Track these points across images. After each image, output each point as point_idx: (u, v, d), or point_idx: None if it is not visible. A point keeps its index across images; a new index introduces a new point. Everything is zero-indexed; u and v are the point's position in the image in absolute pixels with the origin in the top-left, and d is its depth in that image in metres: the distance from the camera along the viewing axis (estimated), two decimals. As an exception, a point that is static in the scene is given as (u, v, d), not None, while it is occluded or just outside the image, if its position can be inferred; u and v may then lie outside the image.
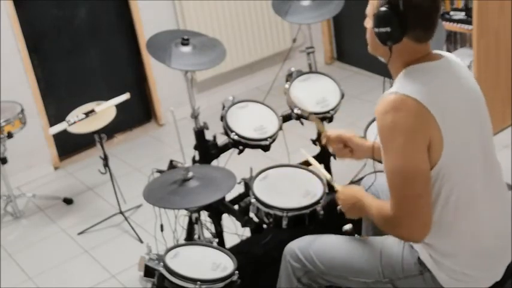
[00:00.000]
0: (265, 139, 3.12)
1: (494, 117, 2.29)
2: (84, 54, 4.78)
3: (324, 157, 3.59)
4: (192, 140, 3.28)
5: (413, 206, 1.99)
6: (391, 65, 2.12)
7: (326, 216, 2.71)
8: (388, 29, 2.00)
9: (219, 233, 3.18)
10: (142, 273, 2.57)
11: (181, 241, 3.17)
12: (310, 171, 2.92)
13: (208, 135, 3.30)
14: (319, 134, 3.58)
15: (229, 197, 3.18)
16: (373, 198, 2.24)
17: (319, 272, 2.34)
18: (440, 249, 2.12)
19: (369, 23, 2.12)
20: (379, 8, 2.02)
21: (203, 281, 2.42)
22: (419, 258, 2.16)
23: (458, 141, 2.02)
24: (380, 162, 2.15)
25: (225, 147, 3.25)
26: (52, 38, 4.63)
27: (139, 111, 5.10)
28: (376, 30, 2.03)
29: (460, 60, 2.19)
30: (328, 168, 3.63)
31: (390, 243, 2.23)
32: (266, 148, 3.13)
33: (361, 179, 2.63)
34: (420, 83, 2.01)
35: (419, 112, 1.97)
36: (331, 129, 2.59)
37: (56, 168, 4.75)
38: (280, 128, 3.21)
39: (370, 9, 2.10)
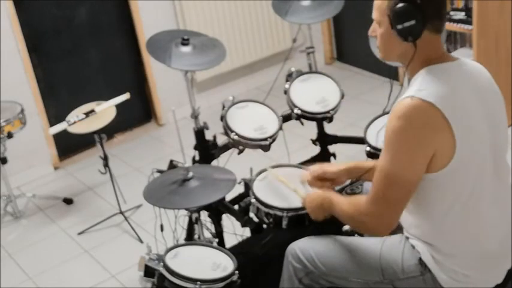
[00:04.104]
0: (265, 139, 3.12)
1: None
2: (84, 54, 4.78)
3: (324, 157, 3.59)
4: (192, 140, 3.28)
5: (387, 206, 2.05)
6: (409, 65, 2.10)
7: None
8: (412, 22, 2.00)
9: (219, 233, 3.18)
10: (142, 273, 2.57)
11: (181, 241, 3.17)
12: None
13: (208, 135, 3.29)
14: (319, 134, 3.58)
15: (229, 197, 3.18)
16: (342, 196, 2.28)
17: (320, 273, 2.34)
18: (443, 249, 2.12)
19: (378, 29, 2.11)
20: (394, 6, 2.01)
21: (203, 281, 2.42)
22: (420, 258, 2.16)
23: (470, 144, 2.02)
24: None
25: (225, 147, 3.25)
26: (52, 38, 4.63)
27: (139, 111, 5.10)
28: (400, 27, 2.01)
29: (476, 62, 2.19)
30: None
31: (390, 244, 2.23)
32: (266, 148, 3.12)
33: (359, 181, 2.62)
34: (437, 85, 2.01)
35: (432, 119, 1.97)
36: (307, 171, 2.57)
37: (56, 168, 4.75)
38: (280, 128, 3.21)
39: (378, 14, 2.09)
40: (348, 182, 2.60)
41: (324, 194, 2.36)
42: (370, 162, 2.40)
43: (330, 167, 2.52)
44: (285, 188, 2.84)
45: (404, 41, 2.04)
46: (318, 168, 2.52)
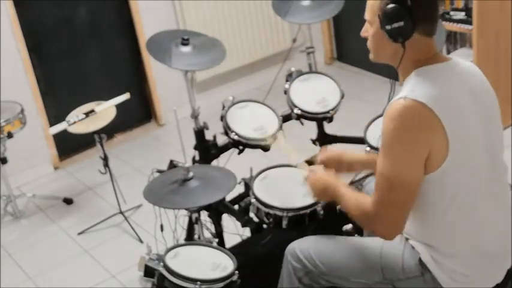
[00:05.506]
0: (265, 139, 3.12)
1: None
2: (84, 54, 4.78)
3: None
4: (192, 140, 3.28)
5: (393, 210, 2.03)
6: (400, 66, 2.11)
7: (326, 216, 2.71)
8: (401, 24, 2.00)
9: (219, 233, 3.18)
10: (142, 273, 2.57)
11: (181, 241, 3.17)
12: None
13: (208, 135, 3.29)
14: (319, 135, 3.58)
15: (229, 197, 3.18)
16: (350, 189, 2.24)
17: (320, 273, 2.34)
18: (442, 250, 2.12)
19: (370, 29, 2.11)
20: (385, 6, 2.02)
21: (203, 281, 2.42)
22: (420, 259, 2.16)
23: (464, 144, 2.02)
24: None
25: (225, 147, 3.25)
26: (52, 38, 4.63)
27: (139, 111, 5.10)
28: (388, 27, 2.02)
29: (468, 62, 2.18)
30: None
31: (391, 244, 2.23)
32: (266, 148, 3.12)
33: (362, 179, 2.62)
34: (430, 86, 2.01)
35: (425, 119, 1.97)
36: (320, 154, 2.54)
37: (56, 168, 4.75)
38: (280, 128, 3.21)
39: (370, 14, 2.09)
40: (358, 175, 2.58)
41: (328, 180, 2.30)
42: None
43: (347, 156, 2.49)
44: (284, 188, 2.85)
45: (393, 42, 2.04)
46: (335, 152, 2.50)
